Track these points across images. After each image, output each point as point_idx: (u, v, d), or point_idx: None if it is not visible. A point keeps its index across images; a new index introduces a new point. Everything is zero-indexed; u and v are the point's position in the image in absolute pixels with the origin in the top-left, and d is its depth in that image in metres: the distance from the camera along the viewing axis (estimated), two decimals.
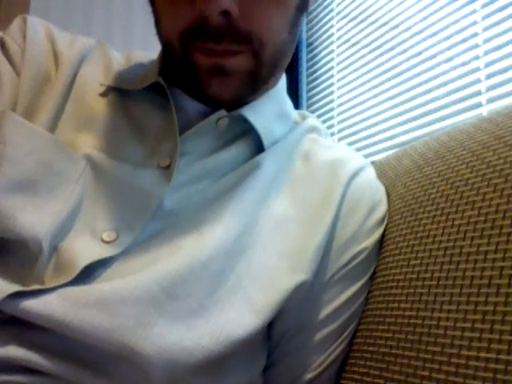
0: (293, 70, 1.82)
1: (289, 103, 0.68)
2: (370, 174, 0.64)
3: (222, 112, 0.58)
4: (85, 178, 0.54)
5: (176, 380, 0.48)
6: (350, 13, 1.61)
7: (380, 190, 0.64)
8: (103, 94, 0.62)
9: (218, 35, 0.52)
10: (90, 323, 0.45)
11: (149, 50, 0.71)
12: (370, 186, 0.63)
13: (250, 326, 0.50)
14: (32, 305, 0.45)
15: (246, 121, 0.59)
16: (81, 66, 0.63)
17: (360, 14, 1.56)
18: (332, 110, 1.66)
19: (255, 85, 0.58)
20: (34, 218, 0.50)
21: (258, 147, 0.60)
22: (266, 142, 0.60)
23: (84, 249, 0.50)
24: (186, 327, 0.48)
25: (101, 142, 0.57)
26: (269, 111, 0.62)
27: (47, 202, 0.51)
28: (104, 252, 0.50)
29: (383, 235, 0.61)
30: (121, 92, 0.62)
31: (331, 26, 1.71)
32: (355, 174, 0.62)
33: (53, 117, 0.57)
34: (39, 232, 0.49)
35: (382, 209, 0.62)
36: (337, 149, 0.66)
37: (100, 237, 0.51)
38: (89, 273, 0.49)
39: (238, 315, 0.50)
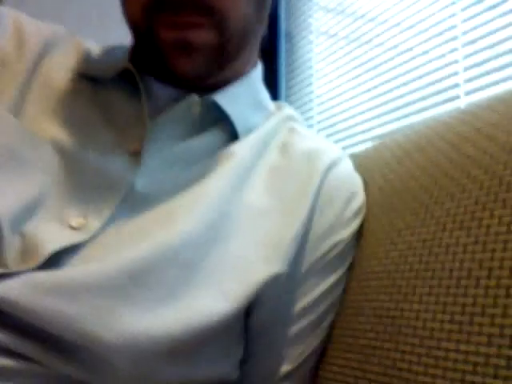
0: (272, 60, 1.82)
1: (264, 93, 0.67)
2: (347, 165, 0.64)
3: (194, 97, 0.57)
4: (51, 166, 0.53)
5: (144, 369, 0.48)
6: (328, 4, 1.61)
7: (357, 181, 0.64)
8: (73, 81, 0.61)
9: (177, 6, 0.52)
10: (52, 311, 0.44)
11: (124, 37, 0.69)
12: (347, 176, 0.63)
13: (221, 316, 0.50)
14: None
15: (219, 108, 0.59)
16: (48, 51, 0.62)
17: (339, 5, 1.56)
18: (311, 101, 1.66)
19: (222, 61, 0.57)
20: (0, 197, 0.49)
21: (233, 135, 0.60)
22: (239, 129, 0.60)
23: (51, 235, 0.49)
24: (153, 315, 0.47)
25: (69, 129, 0.56)
26: (242, 99, 0.62)
27: (10, 186, 0.50)
28: (72, 238, 0.49)
29: (362, 227, 0.61)
30: (91, 79, 0.61)
31: (310, 17, 1.71)
32: (332, 165, 0.61)
33: (15, 103, 0.56)
34: (1, 211, 0.48)
35: (359, 199, 0.62)
36: (314, 139, 0.65)
37: (68, 223, 0.50)
38: (56, 259, 0.47)
39: (209, 305, 0.49)
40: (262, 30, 0.61)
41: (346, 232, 0.60)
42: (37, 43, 0.61)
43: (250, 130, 0.61)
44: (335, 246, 0.59)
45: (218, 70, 0.58)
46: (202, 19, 0.53)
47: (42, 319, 0.44)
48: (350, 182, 0.62)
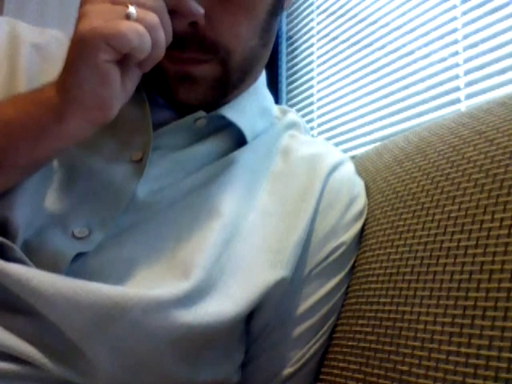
0: (273, 63, 1.82)
1: (269, 98, 0.67)
2: (349, 168, 0.64)
3: (200, 113, 0.57)
4: (56, 173, 0.53)
5: (147, 370, 0.48)
6: (329, 7, 1.61)
7: (358, 184, 0.64)
8: None
9: (182, 43, 0.52)
10: (64, 296, 0.45)
11: None
12: (349, 180, 0.63)
13: (224, 319, 0.50)
14: (12, 268, 0.45)
15: (225, 117, 0.59)
16: (48, 58, 0.62)
17: (340, 8, 1.56)
18: (312, 104, 1.66)
19: (224, 90, 0.58)
20: (18, 202, 0.49)
21: (237, 142, 0.60)
22: (248, 137, 0.60)
23: (59, 246, 0.49)
24: (165, 316, 0.47)
25: None
26: (250, 109, 0.62)
27: (23, 194, 0.50)
28: (77, 248, 0.49)
29: (363, 229, 0.61)
30: None
31: (311, 20, 1.71)
32: (334, 169, 0.62)
33: None
34: (18, 216, 0.48)
35: (361, 202, 0.62)
36: (316, 144, 0.66)
37: (71, 232, 0.50)
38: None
39: (215, 308, 0.50)
40: (269, 51, 0.61)
41: (347, 235, 0.60)
42: (33, 53, 0.61)
43: (255, 137, 0.61)
44: (336, 249, 0.59)
45: (220, 98, 0.58)
46: (206, 56, 0.53)
47: (54, 305, 0.45)
48: (351, 186, 0.62)
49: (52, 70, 0.62)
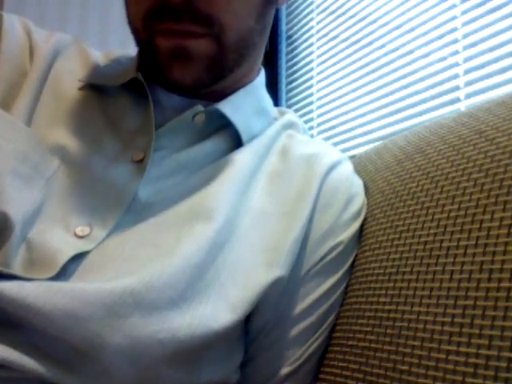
0: (272, 62, 1.82)
1: (268, 99, 0.68)
2: (347, 167, 0.64)
3: (199, 107, 0.58)
4: (58, 176, 0.53)
5: (146, 373, 0.48)
6: (329, 6, 1.61)
7: (357, 184, 0.64)
8: (81, 89, 0.62)
9: (176, 14, 0.52)
10: (61, 310, 0.44)
11: (124, 46, 0.70)
12: (347, 179, 0.63)
13: (225, 321, 0.50)
14: (5, 287, 0.44)
15: (223, 116, 0.59)
16: (56, 59, 0.63)
17: (339, 7, 1.56)
18: (311, 103, 1.66)
19: (219, 72, 0.58)
20: (15, 198, 0.49)
21: (236, 142, 0.60)
22: (244, 136, 0.60)
23: (60, 243, 0.49)
24: (162, 319, 0.47)
25: (75, 137, 0.57)
26: (247, 106, 0.62)
27: (21, 190, 0.51)
28: (78, 247, 0.49)
29: (363, 229, 0.61)
30: (99, 88, 0.62)
31: (311, 19, 1.71)
32: (331, 168, 0.62)
33: (28, 111, 0.57)
34: (16, 212, 0.48)
35: (359, 202, 0.62)
36: (313, 144, 0.66)
37: (73, 231, 0.51)
38: (63, 267, 0.48)
39: (213, 310, 0.50)
40: (264, 42, 0.62)
41: (345, 234, 0.60)
42: (45, 52, 0.62)
43: (253, 137, 0.61)
44: (334, 248, 0.59)
45: (215, 81, 0.59)
46: (201, 29, 0.54)
47: (49, 319, 0.44)
48: (349, 185, 0.62)
49: (65, 66, 0.63)
